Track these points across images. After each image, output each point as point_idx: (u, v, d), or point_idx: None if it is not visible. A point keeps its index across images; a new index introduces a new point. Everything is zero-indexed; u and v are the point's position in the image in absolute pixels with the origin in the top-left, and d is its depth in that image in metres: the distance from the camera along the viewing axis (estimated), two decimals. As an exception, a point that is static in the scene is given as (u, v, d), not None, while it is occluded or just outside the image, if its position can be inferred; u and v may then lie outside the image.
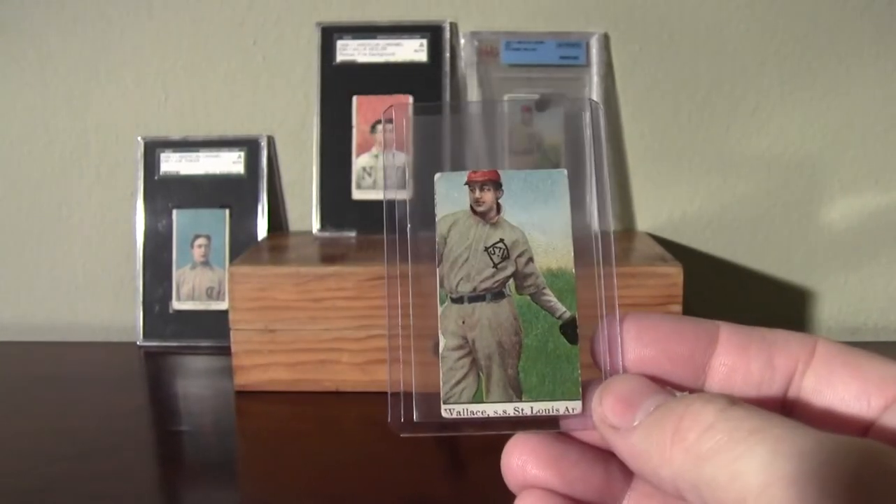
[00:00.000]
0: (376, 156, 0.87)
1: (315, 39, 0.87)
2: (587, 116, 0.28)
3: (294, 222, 0.92)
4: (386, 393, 0.26)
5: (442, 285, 0.26)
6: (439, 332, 0.26)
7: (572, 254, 0.26)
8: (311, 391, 0.73)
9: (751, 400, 0.25)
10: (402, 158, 0.28)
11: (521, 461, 0.26)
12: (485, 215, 0.26)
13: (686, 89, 0.88)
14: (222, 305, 0.85)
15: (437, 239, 0.26)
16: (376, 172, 0.87)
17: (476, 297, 0.26)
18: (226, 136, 0.89)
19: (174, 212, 0.88)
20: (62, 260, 0.92)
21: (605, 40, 0.87)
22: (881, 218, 0.90)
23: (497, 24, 0.88)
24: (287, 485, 0.58)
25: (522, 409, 0.25)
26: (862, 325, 0.90)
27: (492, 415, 0.25)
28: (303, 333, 0.72)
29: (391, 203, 0.27)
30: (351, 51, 0.87)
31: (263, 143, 0.89)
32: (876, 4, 0.86)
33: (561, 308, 0.26)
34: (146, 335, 0.88)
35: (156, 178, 0.89)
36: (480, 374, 0.25)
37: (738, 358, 0.25)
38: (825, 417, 0.25)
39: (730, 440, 0.21)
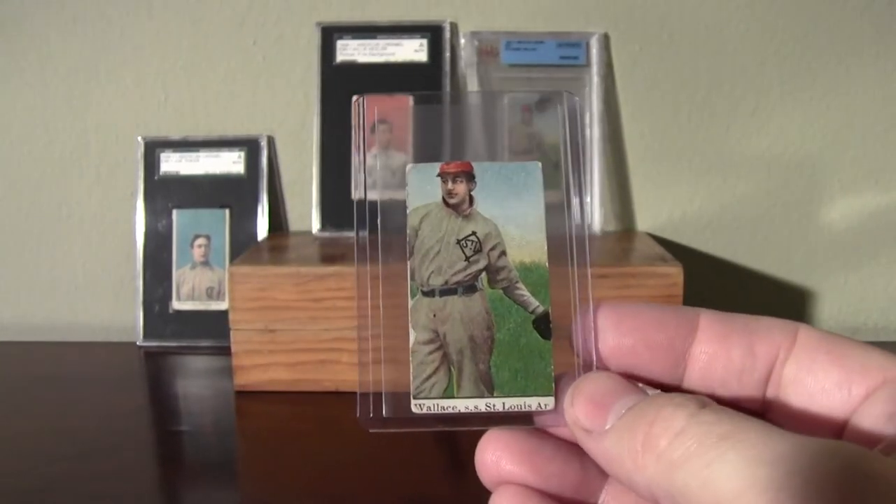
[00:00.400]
0: (376, 156, 0.87)
1: (315, 39, 0.87)
2: (562, 110, 0.28)
3: (294, 222, 0.92)
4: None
5: (413, 278, 0.25)
6: (409, 325, 0.25)
7: (546, 248, 0.26)
8: (311, 391, 0.73)
9: (731, 389, 0.24)
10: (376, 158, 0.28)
11: (496, 457, 0.26)
12: (457, 207, 0.26)
13: (686, 89, 0.88)
14: (222, 305, 0.85)
15: (408, 231, 0.26)
16: (376, 172, 0.86)
17: (447, 291, 0.25)
18: (226, 136, 0.89)
19: (174, 212, 0.88)
20: (62, 260, 0.92)
21: (605, 40, 0.87)
22: (881, 218, 0.90)
23: (497, 24, 0.88)
24: (287, 485, 0.58)
25: (494, 405, 0.25)
26: (862, 325, 0.90)
27: (463, 410, 0.25)
28: (303, 333, 0.72)
29: (361, 202, 0.27)
30: (351, 51, 0.87)
31: (263, 143, 0.89)
32: (876, 4, 0.86)
33: (534, 303, 0.26)
34: (146, 335, 0.88)
35: (156, 178, 0.89)
36: (452, 368, 0.25)
37: (719, 346, 0.25)
38: (806, 406, 0.24)
39: (700, 446, 0.21)
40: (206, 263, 0.88)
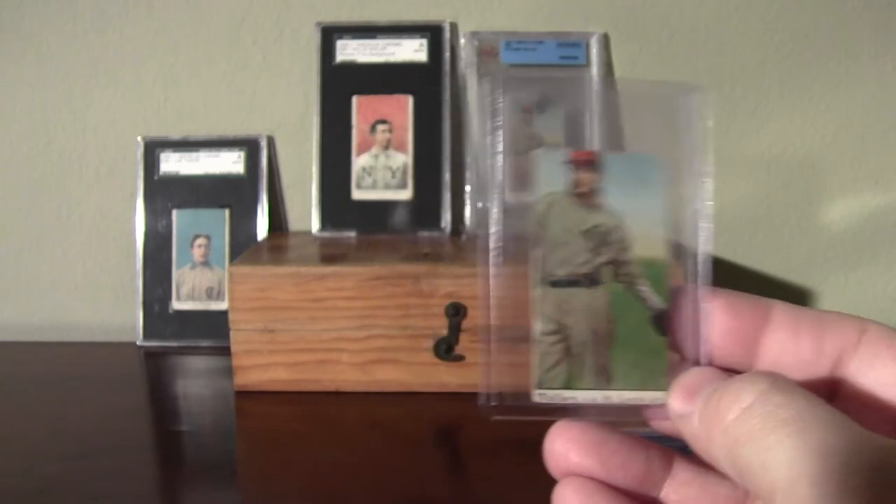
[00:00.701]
0: (376, 156, 0.87)
1: (315, 39, 0.87)
2: (690, 103, 0.26)
3: (294, 222, 0.92)
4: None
5: (539, 268, 0.25)
6: (534, 315, 0.25)
7: (667, 244, 0.26)
8: (311, 391, 0.73)
9: (799, 380, 0.24)
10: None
11: (564, 448, 0.25)
12: (584, 197, 0.25)
13: (686, 89, 0.88)
14: (222, 305, 0.85)
15: (535, 219, 0.25)
16: (376, 172, 0.87)
17: (572, 282, 0.25)
18: (226, 136, 0.89)
19: (174, 212, 0.88)
20: (62, 260, 0.92)
21: (605, 40, 0.87)
22: (881, 218, 0.90)
23: (497, 24, 0.88)
24: (287, 485, 0.58)
25: (610, 398, 0.25)
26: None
27: (581, 401, 0.25)
28: (303, 333, 0.72)
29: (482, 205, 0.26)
30: (351, 51, 0.87)
31: (263, 143, 0.89)
32: (876, 4, 0.86)
33: (654, 299, 0.25)
34: (146, 335, 0.88)
35: (156, 178, 0.89)
36: (573, 360, 0.25)
37: (790, 337, 0.25)
38: (866, 400, 0.25)
39: (762, 428, 0.21)
40: (206, 263, 0.88)
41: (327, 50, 0.87)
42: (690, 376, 0.25)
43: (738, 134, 0.89)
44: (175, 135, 0.89)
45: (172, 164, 0.89)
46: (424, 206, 0.86)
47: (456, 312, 0.71)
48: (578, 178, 0.25)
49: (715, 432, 0.23)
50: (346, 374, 0.73)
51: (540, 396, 0.25)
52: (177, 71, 0.89)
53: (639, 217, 0.25)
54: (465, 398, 0.72)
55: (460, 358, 0.72)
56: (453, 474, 0.62)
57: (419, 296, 0.71)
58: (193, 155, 0.89)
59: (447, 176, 0.86)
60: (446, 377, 0.73)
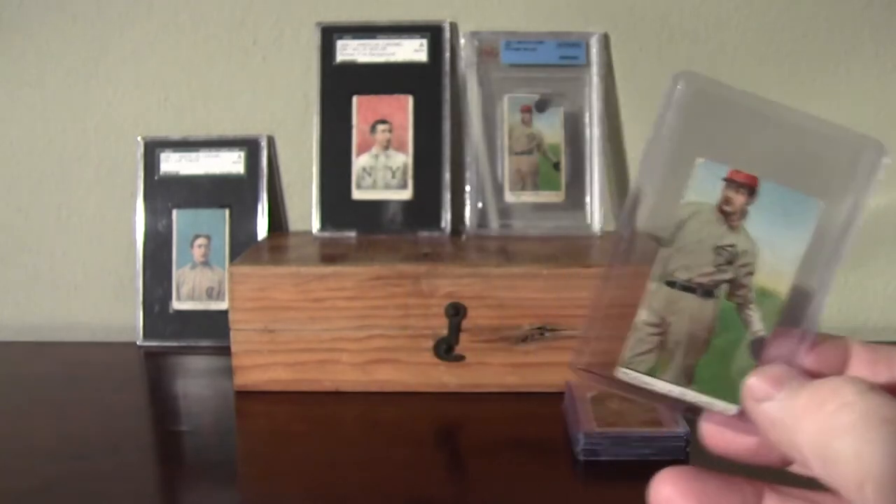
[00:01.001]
0: (376, 156, 0.87)
1: (315, 39, 0.87)
2: (868, 157, 0.27)
3: (294, 222, 0.92)
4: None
5: (661, 265, 0.27)
6: (643, 304, 0.27)
7: (791, 282, 0.27)
8: (311, 391, 0.73)
9: None
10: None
11: (670, 493, 0.27)
12: (728, 216, 0.27)
13: (686, 89, 0.88)
14: (222, 305, 0.85)
15: (675, 222, 0.27)
16: (376, 172, 0.87)
17: (688, 288, 0.27)
18: (226, 136, 0.89)
19: (174, 212, 0.88)
20: (62, 260, 0.92)
21: (605, 40, 0.87)
22: (881, 218, 0.90)
23: (497, 24, 0.88)
24: (287, 485, 0.58)
25: (685, 395, 0.27)
26: (862, 325, 0.90)
27: (657, 390, 0.27)
28: (303, 333, 0.72)
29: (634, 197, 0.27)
30: (351, 51, 0.87)
31: (263, 143, 0.89)
32: (876, 4, 0.86)
33: (758, 326, 0.27)
34: (146, 335, 0.88)
35: (156, 178, 0.89)
36: (664, 353, 0.27)
37: (868, 371, 0.27)
38: None
39: (864, 422, 0.23)
40: (206, 263, 0.88)
41: (327, 50, 0.87)
42: (776, 367, 0.26)
43: (738, 134, 0.89)
44: (175, 135, 0.89)
45: (172, 164, 0.89)
46: (424, 206, 0.86)
47: (456, 312, 0.71)
48: (730, 196, 0.27)
49: (806, 421, 0.24)
50: (346, 374, 0.73)
51: (623, 374, 0.27)
52: (177, 71, 0.89)
53: (774, 250, 0.27)
54: (465, 398, 0.72)
55: (460, 358, 0.72)
56: (453, 474, 0.62)
57: (419, 296, 0.71)
58: (193, 155, 0.89)
59: (447, 176, 0.86)
60: (446, 377, 0.73)
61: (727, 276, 0.27)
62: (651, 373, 0.27)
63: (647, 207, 0.28)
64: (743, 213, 0.27)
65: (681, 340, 0.27)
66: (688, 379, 0.27)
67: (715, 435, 0.28)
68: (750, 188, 0.27)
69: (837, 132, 0.27)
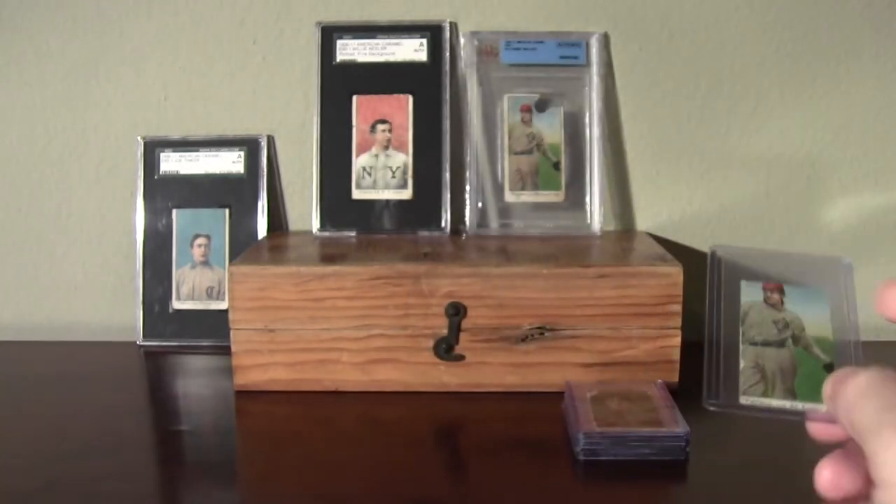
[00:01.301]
0: (376, 156, 0.87)
1: (315, 39, 0.87)
2: (840, 273, 0.43)
3: (294, 222, 0.92)
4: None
5: (743, 338, 0.41)
6: (740, 357, 0.40)
7: (830, 328, 0.41)
8: (311, 391, 0.73)
9: None
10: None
11: (829, 476, 0.34)
12: (772, 306, 0.41)
13: (686, 89, 0.88)
14: (222, 305, 0.85)
15: (738, 313, 0.41)
16: (376, 172, 0.87)
17: (766, 343, 0.40)
18: (226, 135, 0.89)
19: (174, 211, 0.88)
20: (62, 260, 0.92)
21: (605, 40, 0.87)
22: (881, 218, 0.90)
23: (497, 23, 0.88)
24: (287, 485, 0.58)
25: (791, 406, 0.39)
26: (862, 326, 0.90)
27: (772, 406, 0.39)
28: (303, 333, 0.72)
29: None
30: (351, 50, 0.87)
31: (263, 143, 0.89)
32: (876, 4, 0.86)
33: (824, 357, 0.40)
34: (146, 335, 0.88)
35: (156, 177, 0.89)
36: (767, 382, 0.39)
37: None
38: None
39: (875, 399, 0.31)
40: (206, 263, 0.88)
41: (327, 50, 0.87)
42: (834, 373, 0.35)
43: (738, 134, 0.89)
44: (175, 134, 0.89)
45: (172, 163, 0.89)
46: (424, 206, 0.86)
47: (456, 312, 0.71)
48: (770, 296, 0.42)
49: (858, 415, 0.32)
50: (346, 374, 0.73)
51: (745, 400, 0.39)
52: (177, 71, 0.89)
53: (810, 315, 0.42)
54: (465, 398, 0.72)
55: (460, 358, 0.72)
56: (453, 474, 0.62)
57: (419, 295, 0.71)
58: (193, 154, 0.89)
59: (447, 176, 0.86)
60: (446, 377, 0.73)
61: (787, 334, 0.41)
62: (764, 395, 0.39)
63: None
64: (781, 301, 0.41)
65: (774, 373, 0.40)
66: (791, 395, 0.39)
67: (819, 428, 0.37)
68: (781, 290, 0.42)
69: (819, 258, 0.44)
